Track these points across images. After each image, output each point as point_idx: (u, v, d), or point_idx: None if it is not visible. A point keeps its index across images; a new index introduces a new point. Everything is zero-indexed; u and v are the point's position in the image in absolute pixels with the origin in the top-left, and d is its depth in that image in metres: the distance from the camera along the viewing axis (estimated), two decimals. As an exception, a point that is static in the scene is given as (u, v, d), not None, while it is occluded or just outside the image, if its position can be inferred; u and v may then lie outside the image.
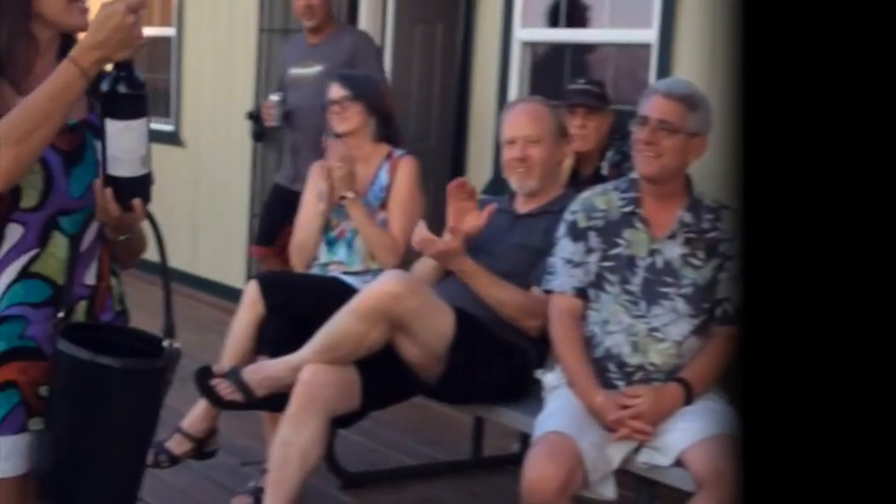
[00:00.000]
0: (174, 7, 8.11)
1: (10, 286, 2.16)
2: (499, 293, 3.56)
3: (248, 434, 4.52)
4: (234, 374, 3.45)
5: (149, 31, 8.61)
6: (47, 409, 2.18)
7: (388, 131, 4.35)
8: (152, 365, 2.23)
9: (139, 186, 2.15)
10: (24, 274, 2.17)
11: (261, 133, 7.17)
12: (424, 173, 6.97)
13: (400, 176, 4.22)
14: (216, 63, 7.81)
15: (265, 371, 3.48)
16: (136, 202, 2.16)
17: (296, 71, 5.61)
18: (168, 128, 8.21)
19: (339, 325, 3.41)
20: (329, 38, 5.54)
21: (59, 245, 2.18)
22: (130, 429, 2.21)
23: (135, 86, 2.14)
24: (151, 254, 2.35)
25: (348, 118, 4.22)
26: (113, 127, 2.11)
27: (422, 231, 3.66)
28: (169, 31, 8.18)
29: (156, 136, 7.95)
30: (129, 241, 2.26)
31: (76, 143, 2.20)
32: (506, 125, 3.80)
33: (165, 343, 2.24)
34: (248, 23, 7.37)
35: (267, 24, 7.16)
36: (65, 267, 2.19)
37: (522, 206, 3.81)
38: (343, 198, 4.05)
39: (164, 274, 2.33)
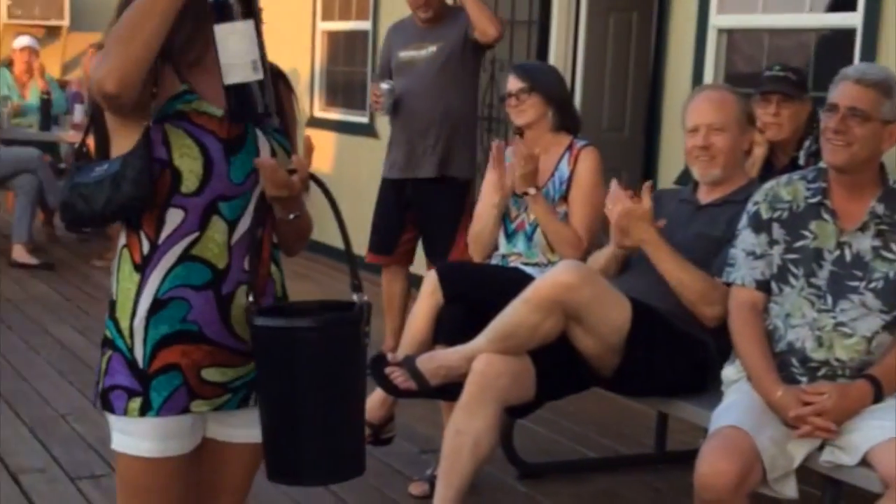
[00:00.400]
0: (370, 1, 8.24)
1: (171, 269, 2.21)
2: (679, 271, 3.48)
3: (429, 422, 4.55)
4: (408, 363, 3.47)
5: (345, 25, 8.85)
6: (256, 384, 2.23)
7: (567, 120, 4.28)
8: (346, 318, 2.22)
9: (253, 93, 2.13)
10: (185, 257, 2.21)
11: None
12: (617, 165, 6.93)
13: (581, 167, 4.16)
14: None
15: (439, 360, 3.49)
16: (296, 159, 2.21)
17: (406, 54, 5.50)
18: (363, 120, 8.34)
19: (513, 314, 3.39)
20: (445, 18, 5.45)
21: (218, 229, 2.22)
22: (338, 387, 2.20)
23: None
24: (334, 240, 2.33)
25: (525, 110, 4.18)
26: (220, 32, 2.11)
27: (616, 189, 3.60)
28: (364, 25, 8.31)
29: (351, 128, 8.17)
30: (297, 220, 2.27)
31: (237, 132, 2.23)
32: (689, 113, 3.70)
33: (355, 297, 2.22)
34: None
35: (460, 16, 7.18)
36: (224, 251, 2.23)
37: (705, 196, 3.71)
38: (525, 193, 4.03)
39: (343, 232, 2.30)
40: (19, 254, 7.81)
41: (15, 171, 7.82)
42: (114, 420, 2.26)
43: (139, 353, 2.22)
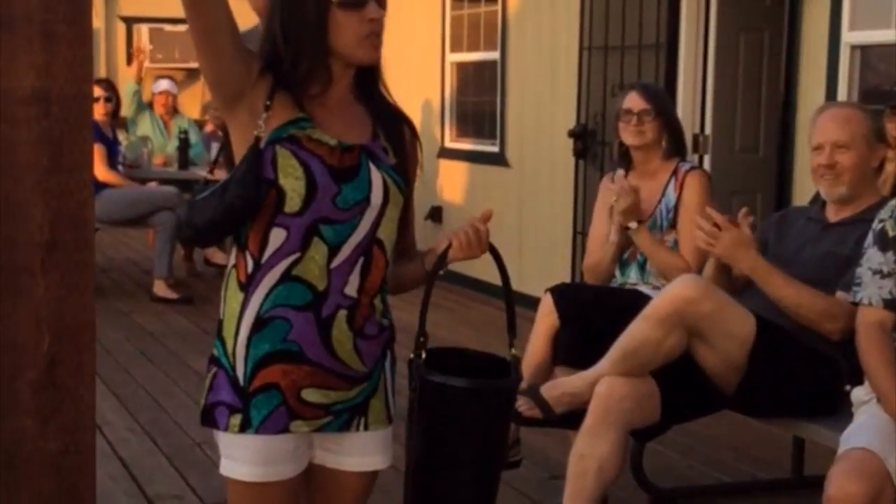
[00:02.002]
0: (498, 31, 8.32)
1: (273, 288, 2.28)
2: (797, 294, 3.42)
3: (559, 446, 4.55)
4: (532, 392, 3.50)
5: (474, 56, 8.93)
6: (408, 428, 2.35)
7: (678, 147, 4.26)
8: (505, 384, 2.38)
9: None
10: (287, 277, 2.28)
11: (583, 150, 7.26)
12: (751, 185, 6.85)
13: (689, 193, 4.12)
14: (538, 83, 7.93)
15: (563, 387, 3.50)
16: (486, 216, 2.37)
17: None
18: (493, 149, 8.42)
19: (635, 332, 3.39)
20: None
21: (319, 251, 2.28)
22: (488, 439, 2.36)
23: None
24: (483, 273, 2.43)
25: (645, 131, 4.16)
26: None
27: (718, 217, 3.55)
28: (493, 55, 8.39)
29: (482, 158, 8.19)
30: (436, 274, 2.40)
31: (350, 163, 2.30)
32: (814, 131, 3.65)
33: (512, 353, 2.42)
34: (569, 42, 7.45)
35: (587, 43, 7.21)
36: (324, 273, 2.29)
37: (834, 215, 3.65)
38: (627, 228, 4.03)
39: (508, 293, 2.47)
40: (160, 289, 8.08)
41: (155, 209, 8.09)
42: (219, 440, 2.35)
43: (241, 371, 2.29)
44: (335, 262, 2.28)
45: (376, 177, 2.32)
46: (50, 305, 1.60)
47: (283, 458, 2.32)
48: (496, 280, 2.51)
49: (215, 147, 8.61)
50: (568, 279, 7.30)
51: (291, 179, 2.25)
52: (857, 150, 3.56)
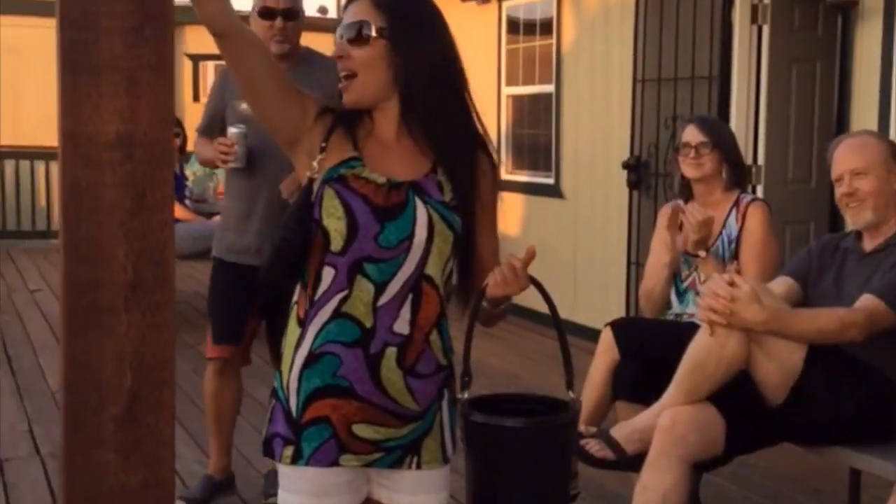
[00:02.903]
0: (553, 64, 8.37)
1: (325, 325, 2.32)
2: (812, 322, 3.36)
3: (617, 478, 4.54)
4: (602, 434, 3.50)
5: (529, 90, 8.98)
6: (466, 471, 2.36)
7: (738, 178, 4.28)
8: (554, 421, 2.36)
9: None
10: (337, 314, 2.31)
11: (637, 181, 7.27)
12: (804, 216, 6.82)
13: (751, 224, 4.14)
14: (593, 115, 7.97)
15: (632, 425, 3.49)
16: (529, 255, 2.31)
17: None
18: (548, 181, 8.46)
19: (696, 343, 3.37)
20: (303, 62, 4.36)
21: (364, 289, 2.30)
22: (538, 480, 2.34)
23: None
24: (537, 303, 2.45)
25: (703, 164, 4.19)
26: None
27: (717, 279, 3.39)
28: (548, 88, 8.45)
29: (537, 189, 8.22)
30: (505, 308, 2.37)
31: (396, 200, 2.32)
32: (832, 163, 3.68)
33: (570, 395, 2.38)
34: (623, 74, 7.48)
35: (641, 75, 7.24)
36: (370, 311, 2.31)
37: (869, 244, 3.68)
38: (696, 255, 4.04)
39: (559, 329, 2.44)
40: (222, 320, 8.18)
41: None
42: (278, 471, 2.38)
43: (294, 404, 2.33)
44: (382, 300, 2.30)
45: (421, 214, 2.31)
46: (132, 343, 1.65)
47: (336, 490, 2.35)
48: (565, 315, 2.52)
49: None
50: (623, 310, 7.30)
51: (333, 219, 2.28)
52: (875, 175, 3.58)
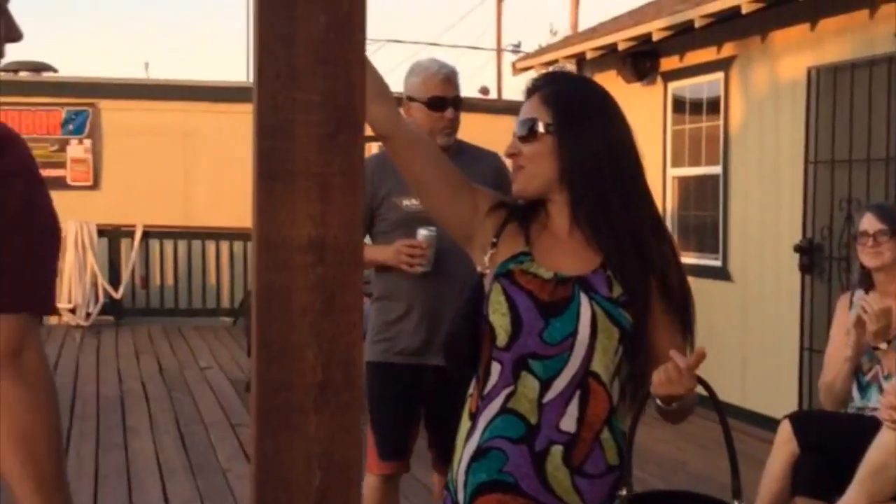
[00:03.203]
0: (720, 145, 8.28)
1: (492, 420, 2.32)
2: None
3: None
4: None
5: (695, 171, 8.92)
6: None
7: None
8: None
9: None
10: (504, 409, 2.31)
11: (810, 265, 7.09)
12: None
13: None
14: (762, 197, 7.83)
15: None
16: (697, 357, 2.20)
17: (414, 202, 3.91)
18: (715, 263, 8.32)
19: (879, 442, 3.24)
20: (463, 153, 4.04)
21: (528, 385, 2.30)
22: None
23: None
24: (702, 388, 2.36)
25: (882, 252, 4.09)
26: None
27: None
28: (715, 169, 8.35)
29: (703, 272, 8.10)
30: (681, 406, 2.28)
31: (562, 296, 2.31)
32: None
33: None
34: (794, 155, 7.34)
35: (813, 156, 7.09)
36: (534, 408, 2.29)
37: None
38: (877, 348, 3.91)
39: (728, 439, 2.35)
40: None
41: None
42: None
43: (461, 497, 2.34)
44: (547, 397, 2.29)
45: (585, 310, 2.29)
46: (321, 443, 1.67)
47: None
48: (724, 396, 2.43)
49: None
50: (795, 397, 7.09)
51: (498, 315, 2.30)
52: None
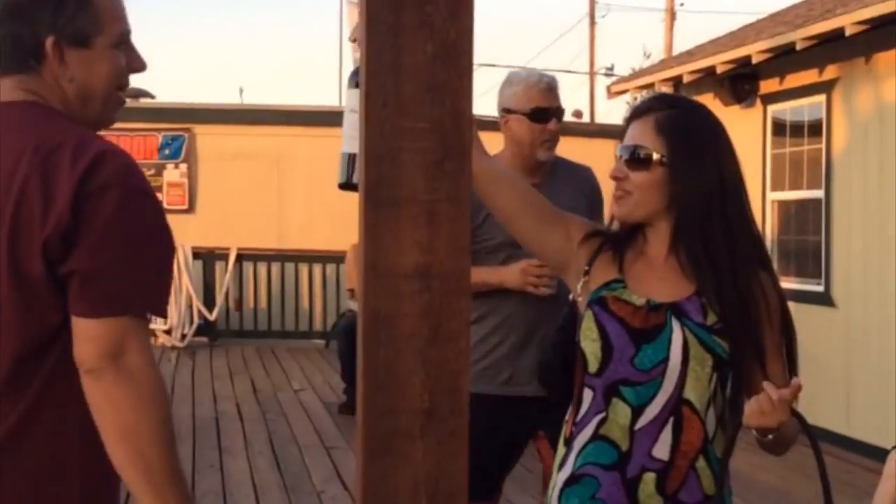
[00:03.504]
0: (822, 168, 8.14)
1: (585, 446, 2.31)
2: None
3: None
4: None
5: (797, 194, 8.80)
6: None
7: None
8: None
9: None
10: (596, 436, 2.30)
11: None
12: None
13: None
14: (866, 221, 7.68)
15: None
16: (793, 390, 2.13)
17: None
18: (818, 288, 8.17)
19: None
20: (558, 169, 3.84)
21: (620, 412, 2.28)
22: None
23: None
24: (814, 418, 2.30)
25: None
26: (349, 99, 2.21)
27: None
28: (817, 193, 8.21)
29: (806, 297, 7.96)
30: (778, 438, 2.21)
31: (655, 322, 2.28)
32: None
33: None
34: (897, 178, 7.20)
35: (919, 179, 6.94)
36: (626, 434, 2.27)
37: None
38: None
39: (824, 477, 2.25)
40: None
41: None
42: None
43: None
44: (640, 423, 2.27)
45: (677, 336, 2.27)
46: (427, 470, 1.67)
47: None
48: (827, 424, 2.38)
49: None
50: (902, 427, 6.92)
51: (589, 341, 2.30)
52: None
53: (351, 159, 2.19)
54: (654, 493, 2.26)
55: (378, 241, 1.63)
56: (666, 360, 2.26)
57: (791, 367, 2.37)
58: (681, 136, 2.31)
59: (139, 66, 2.10)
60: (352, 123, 2.19)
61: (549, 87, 3.72)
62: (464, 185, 1.69)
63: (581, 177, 3.86)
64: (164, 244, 1.96)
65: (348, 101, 2.25)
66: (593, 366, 2.30)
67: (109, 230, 1.87)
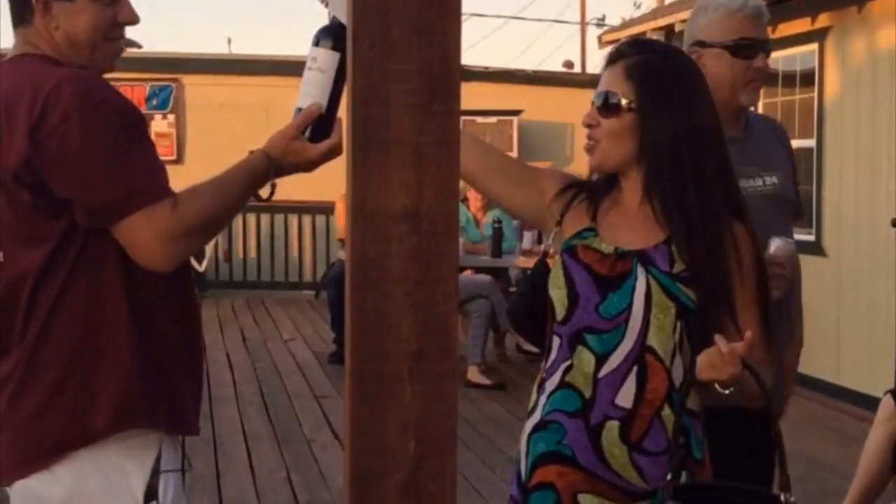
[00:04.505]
0: (814, 117, 8.12)
1: (552, 393, 2.33)
2: None
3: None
4: None
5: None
6: None
7: None
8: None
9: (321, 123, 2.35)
10: (562, 384, 2.32)
11: (905, 240, 6.94)
12: None
13: None
14: (858, 171, 7.68)
15: None
16: (746, 342, 2.12)
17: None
18: (808, 238, 8.17)
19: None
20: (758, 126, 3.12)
21: (584, 360, 2.30)
22: None
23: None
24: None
25: None
26: (310, 54, 2.28)
27: None
28: (809, 142, 8.19)
29: (797, 246, 7.90)
30: (739, 392, 2.17)
31: (620, 270, 2.29)
32: None
33: (782, 498, 2.13)
34: (891, 129, 7.18)
35: (911, 128, 6.93)
36: (589, 382, 2.29)
37: None
38: None
39: (777, 435, 2.21)
40: (473, 375, 8.25)
41: (469, 296, 8.31)
42: None
43: (523, 467, 2.36)
44: (603, 371, 2.28)
45: (641, 284, 2.26)
46: (416, 412, 1.67)
47: None
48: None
49: (527, 236, 8.78)
50: (892, 375, 6.95)
51: (556, 289, 2.32)
52: None
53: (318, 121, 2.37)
54: (618, 441, 2.27)
55: (366, 183, 1.62)
56: (629, 307, 2.26)
57: (764, 321, 2.32)
58: (650, 80, 2.30)
59: (125, 18, 2.30)
60: (307, 80, 2.32)
61: (757, 15, 2.94)
62: (452, 127, 1.68)
63: (779, 129, 3.36)
64: (139, 139, 2.18)
65: (309, 57, 2.32)
66: (560, 314, 2.32)
67: (84, 155, 2.09)
